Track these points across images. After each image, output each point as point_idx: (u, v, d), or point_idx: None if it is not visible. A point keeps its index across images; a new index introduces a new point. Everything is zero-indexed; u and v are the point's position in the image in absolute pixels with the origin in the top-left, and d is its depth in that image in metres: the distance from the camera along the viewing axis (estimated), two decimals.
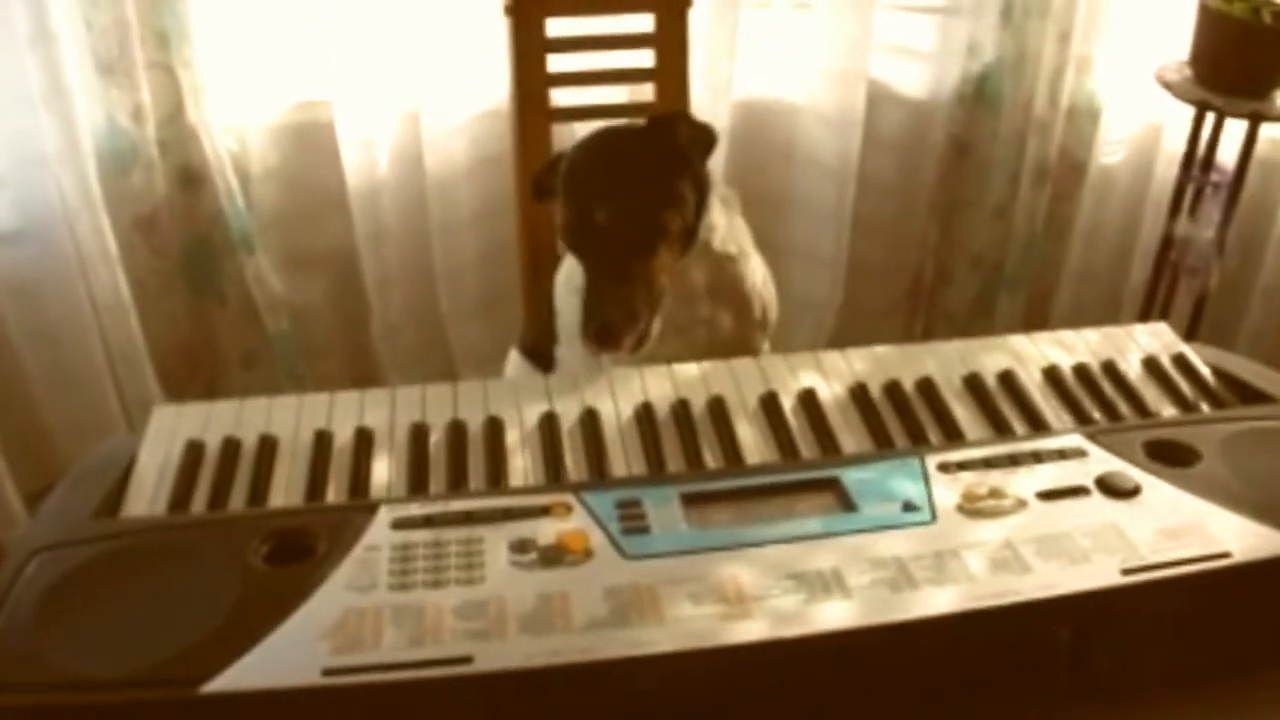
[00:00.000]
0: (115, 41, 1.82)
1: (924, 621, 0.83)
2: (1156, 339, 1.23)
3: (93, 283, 1.92)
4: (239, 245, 2.04)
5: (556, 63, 1.70)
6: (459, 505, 0.94)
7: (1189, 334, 2.08)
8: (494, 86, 2.02)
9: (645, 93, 1.79)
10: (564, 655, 0.79)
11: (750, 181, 2.09)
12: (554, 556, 0.88)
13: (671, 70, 1.74)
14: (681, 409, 1.10)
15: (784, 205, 2.27)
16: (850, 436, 1.08)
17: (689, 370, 1.16)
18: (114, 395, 2.00)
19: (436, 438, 1.07)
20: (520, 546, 0.89)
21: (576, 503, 0.94)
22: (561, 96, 1.73)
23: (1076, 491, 0.95)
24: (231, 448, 1.05)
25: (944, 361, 1.18)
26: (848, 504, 0.94)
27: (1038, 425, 1.09)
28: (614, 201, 1.18)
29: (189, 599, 0.85)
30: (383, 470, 1.04)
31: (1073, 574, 0.86)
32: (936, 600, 0.84)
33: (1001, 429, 1.09)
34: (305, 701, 0.78)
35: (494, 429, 1.08)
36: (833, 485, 0.96)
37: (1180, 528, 0.91)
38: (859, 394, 1.13)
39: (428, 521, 0.92)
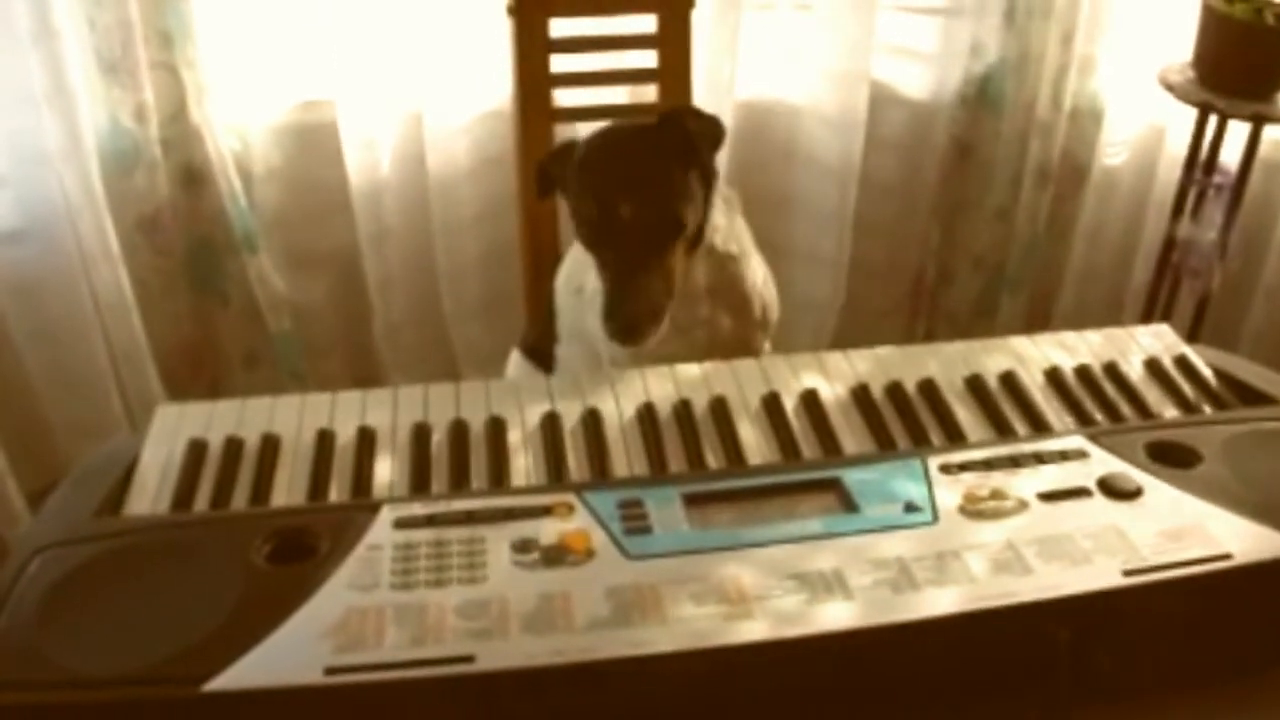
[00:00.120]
0: (118, 41, 1.82)
1: (925, 622, 0.83)
2: (1158, 340, 1.23)
3: (95, 282, 1.92)
4: (241, 245, 2.04)
5: (559, 63, 1.70)
6: (461, 505, 0.94)
7: (1191, 336, 2.08)
8: (496, 87, 2.02)
9: (648, 93, 1.79)
10: (566, 655, 0.79)
11: (752, 182, 2.09)
12: (556, 556, 0.88)
13: (674, 71, 1.74)
14: (683, 409, 1.10)
15: (786, 206, 2.27)
16: (852, 437, 1.08)
17: (691, 370, 1.17)
18: (116, 394, 2.01)
19: (438, 437, 1.07)
20: (522, 546, 0.89)
21: (578, 503, 0.94)
22: (564, 97, 1.73)
23: (1078, 493, 0.95)
24: (234, 447, 1.05)
25: (946, 362, 1.18)
26: (849, 505, 0.94)
27: (1039, 426, 1.09)
28: (639, 195, 1.18)
29: (191, 598, 0.85)
30: (385, 470, 1.04)
31: (1074, 575, 0.86)
32: (938, 601, 0.84)
33: (1003, 430, 1.09)
34: (307, 700, 0.78)
35: (496, 429, 1.08)
36: (834, 486, 0.96)
37: (1182, 529, 0.91)
38: (861, 395, 1.13)
39: (430, 521, 0.92)
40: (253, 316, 2.12)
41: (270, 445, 1.05)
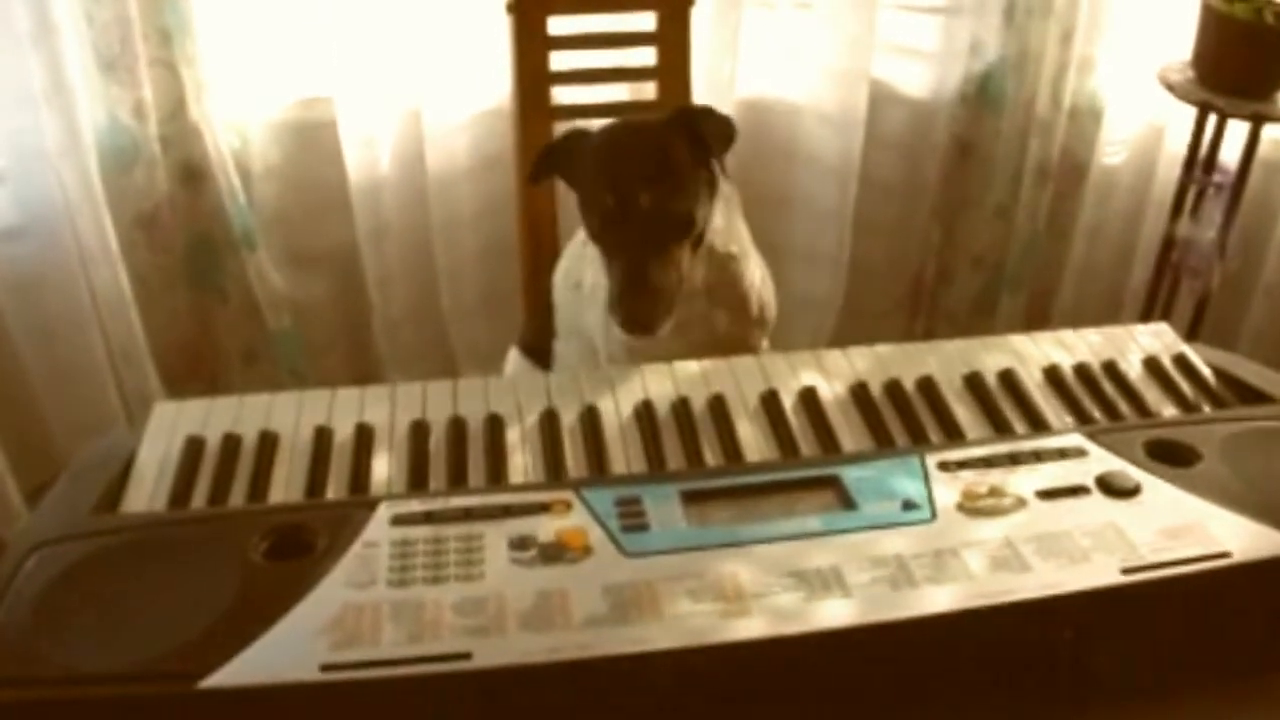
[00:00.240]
0: (117, 38, 1.82)
1: (923, 620, 0.83)
2: (1157, 339, 1.23)
3: (94, 279, 1.92)
4: (240, 242, 2.04)
5: (558, 61, 1.70)
6: (459, 502, 0.94)
7: (1190, 334, 2.07)
8: (496, 84, 2.02)
9: (647, 91, 1.79)
10: (563, 652, 0.79)
11: (752, 180, 2.08)
12: (553, 553, 0.88)
13: (674, 69, 1.74)
14: (682, 407, 1.10)
15: (786, 204, 2.27)
16: (850, 435, 1.08)
17: (689, 368, 1.16)
18: (115, 392, 2.00)
19: (437, 434, 1.07)
20: (520, 543, 0.89)
21: (576, 500, 0.94)
22: (563, 95, 1.73)
23: (1076, 491, 0.95)
24: (232, 444, 1.05)
25: (945, 360, 1.18)
26: (848, 502, 0.94)
27: (1038, 424, 1.09)
28: (658, 187, 1.18)
29: (188, 594, 0.85)
30: (383, 467, 1.04)
31: (1072, 573, 0.86)
32: (936, 599, 0.84)
33: (1002, 428, 1.08)
34: (304, 697, 0.78)
35: (494, 426, 1.08)
36: (833, 483, 0.96)
37: (1180, 527, 0.91)
38: (859, 392, 1.13)
39: (427, 518, 0.92)
40: (252, 314, 2.11)
41: (268, 442, 1.05)
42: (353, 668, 0.78)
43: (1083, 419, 1.10)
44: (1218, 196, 2.06)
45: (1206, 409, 1.12)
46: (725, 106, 2.09)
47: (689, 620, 0.82)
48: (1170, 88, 2.01)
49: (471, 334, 2.23)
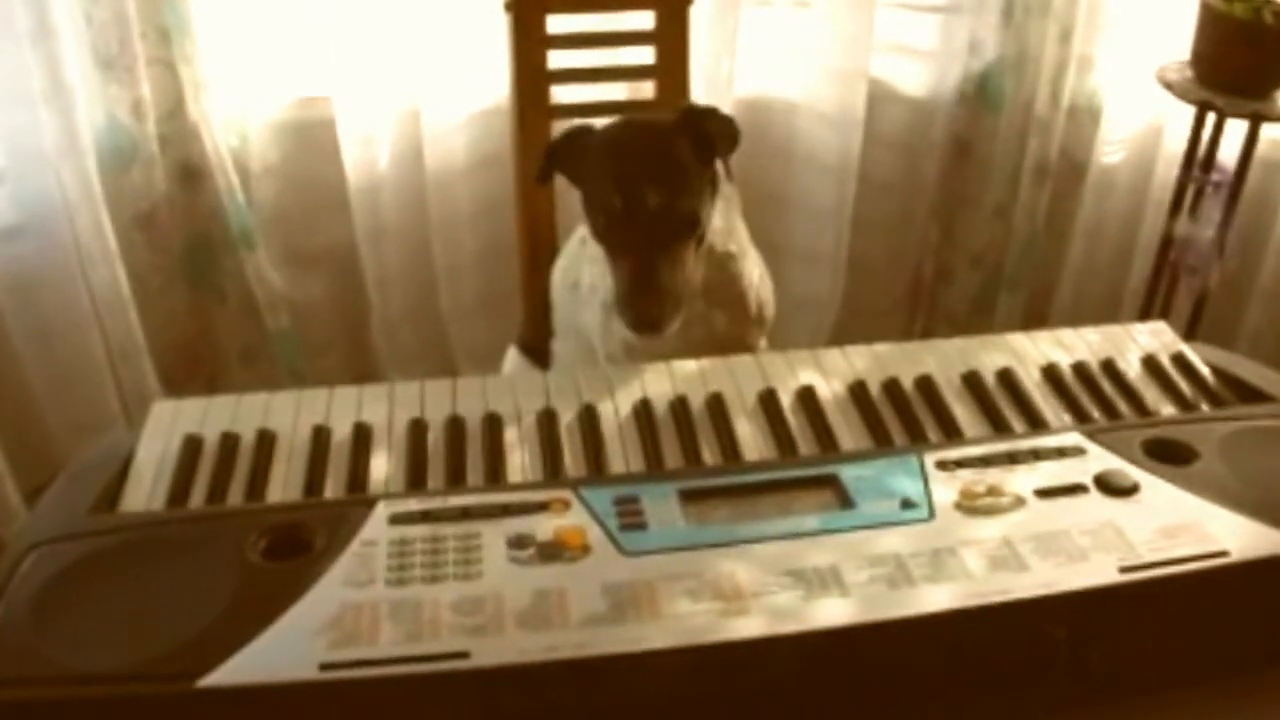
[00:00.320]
0: (115, 37, 1.82)
1: (922, 619, 0.83)
2: (1156, 338, 1.23)
3: (92, 279, 1.92)
4: (239, 242, 2.04)
5: (557, 59, 1.69)
6: (457, 501, 0.94)
7: (1188, 333, 2.08)
8: (494, 83, 2.02)
9: (645, 90, 1.79)
10: (561, 651, 0.79)
11: (750, 179, 2.08)
12: (552, 552, 0.88)
13: (672, 67, 1.74)
14: (680, 406, 1.10)
15: (784, 203, 2.27)
16: (849, 434, 1.08)
17: (688, 367, 1.16)
18: (113, 391, 2.00)
19: (435, 433, 1.07)
20: (518, 542, 0.89)
21: (574, 499, 0.94)
22: (562, 93, 1.73)
23: (1075, 490, 0.95)
24: (230, 443, 1.05)
25: (943, 359, 1.18)
26: (846, 501, 0.94)
27: (1036, 423, 1.09)
28: (666, 186, 1.18)
29: (186, 594, 0.85)
30: (381, 466, 1.04)
31: (1070, 572, 0.86)
32: (934, 598, 0.84)
33: (1000, 427, 1.09)
34: (302, 696, 0.78)
35: (493, 425, 1.08)
36: (831, 482, 0.96)
37: (1178, 526, 0.91)
38: (858, 391, 1.13)
39: (425, 517, 0.92)
40: (250, 313, 2.11)
41: (266, 441, 1.05)
42: (351, 667, 0.78)
43: (1081, 418, 1.10)
44: (1216, 195, 2.05)
45: (1205, 408, 1.12)
46: (724, 105, 2.08)
47: (687, 619, 0.82)
48: (1169, 87, 2.01)
49: (470, 333, 2.23)
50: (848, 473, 0.97)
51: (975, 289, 2.36)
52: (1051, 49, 2.11)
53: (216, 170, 1.98)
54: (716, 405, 1.11)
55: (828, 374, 1.15)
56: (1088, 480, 0.96)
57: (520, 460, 1.05)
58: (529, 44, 1.67)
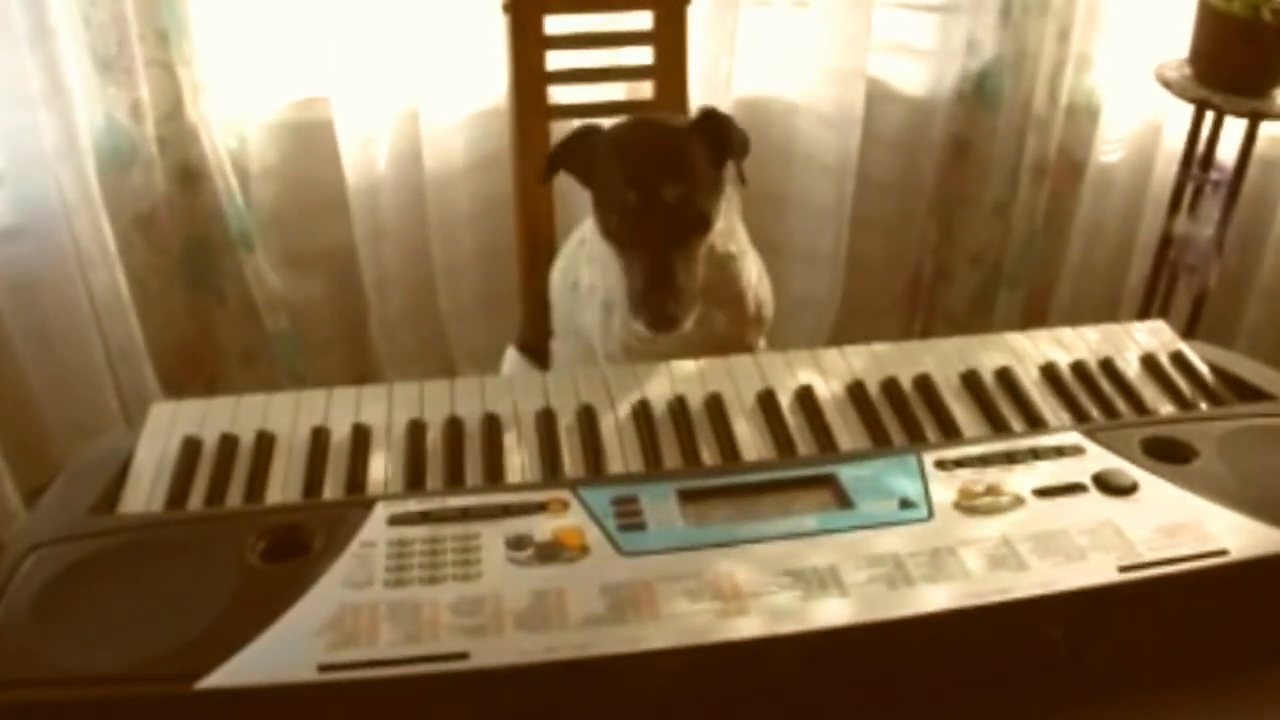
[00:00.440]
0: (114, 38, 1.82)
1: (920, 619, 0.83)
2: (1155, 337, 1.23)
3: (92, 280, 1.92)
4: (238, 243, 2.04)
5: (555, 60, 1.69)
6: (456, 501, 0.94)
7: (1188, 332, 2.07)
8: (492, 84, 2.02)
9: (644, 90, 1.79)
10: (560, 651, 0.79)
11: (749, 179, 2.08)
12: (550, 553, 0.88)
13: (670, 68, 1.74)
14: (679, 406, 1.10)
15: (783, 203, 2.27)
16: (848, 434, 1.08)
17: (686, 367, 1.16)
18: (113, 393, 2.00)
19: (434, 434, 1.07)
20: (517, 543, 0.89)
21: (573, 499, 0.94)
22: (560, 94, 1.73)
23: (1074, 489, 0.95)
24: (229, 444, 1.05)
25: (942, 359, 1.18)
26: (845, 501, 0.94)
27: (1035, 423, 1.09)
28: (682, 182, 1.18)
29: (185, 595, 0.85)
30: (380, 466, 1.04)
31: (1069, 571, 0.86)
32: (933, 597, 0.84)
33: (999, 426, 1.09)
34: (301, 697, 0.78)
35: (491, 425, 1.08)
36: (830, 482, 0.97)
37: (1177, 525, 0.91)
38: (856, 391, 1.13)
39: (424, 518, 0.92)
40: (249, 315, 2.11)
41: (265, 442, 1.05)
42: (350, 668, 0.78)
43: (1080, 417, 1.10)
44: (1215, 194, 2.05)
45: (1204, 406, 1.12)
46: (722, 105, 2.08)
47: (686, 619, 0.82)
48: (1167, 85, 2.01)
49: (469, 334, 2.23)
50: (846, 473, 0.97)
51: (974, 288, 2.36)
52: (1050, 48, 2.11)
53: (215, 172, 1.98)
54: (715, 405, 1.11)
55: (826, 374, 1.15)
56: (1087, 479, 0.96)
57: (519, 461, 1.05)
58: (527, 45, 1.67)
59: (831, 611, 0.83)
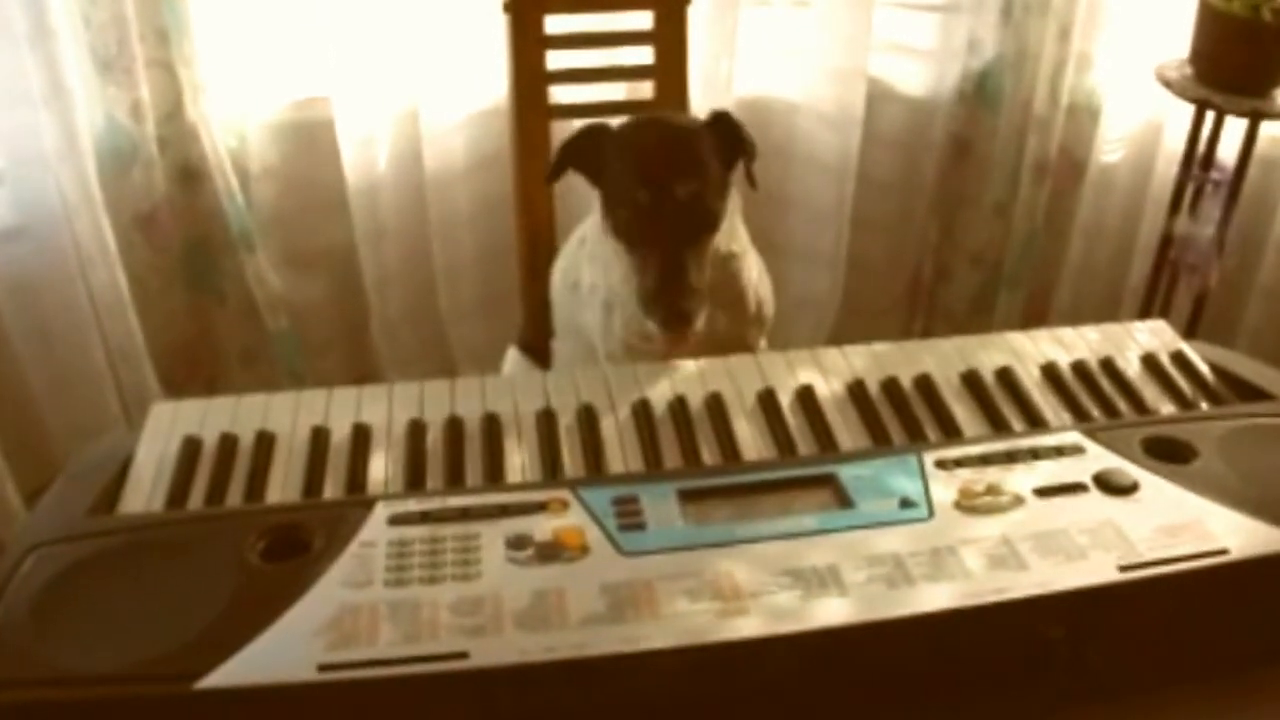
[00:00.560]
0: (114, 38, 1.82)
1: (921, 618, 0.83)
2: (1155, 336, 1.23)
3: (92, 281, 1.92)
4: (238, 243, 2.04)
5: (555, 60, 1.69)
6: (456, 501, 0.94)
7: (1188, 331, 2.07)
8: (492, 84, 2.02)
9: (644, 90, 1.79)
10: (560, 651, 0.79)
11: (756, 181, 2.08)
12: (550, 553, 0.88)
13: (671, 67, 1.74)
14: (679, 406, 1.10)
15: (783, 203, 2.27)
16: (848, 433, 1.08)
17: (687, 367, 1.16)
18: (113, 393, 2.00)
19: (434, 434, 1.07)
20: (517, 543, 0.89)
21: (573, 499, 0.94)
22: (560, 94, 1.73)
23: (1074, 488, 0.95)
24: (229, 444, 1.05)
25: (942, 359, 1.18)
26: (845, 501, 0.94)
27: (1036, 422, 1.09)
28: (694, 180, 1.18)
29: (185, 595, 0.85)
30: (380, 466, 1.04)
31: (1070, 571, 0.86)
32: (933, 597, 0.84)
33: (999, 426, 1.08)
34: (300, 697, 0.78)
35: (491, 425, 1.08)
36: (830, 482, 0.96)
37: (1178, 525, 0.91)
38: (857, 391, 1.13)
39: (424, 517, 0.92)
40: (250, 315, 2.11)
41: (265, 442, 1.05)
42: (350, 668, 0.78)
43: (1080, 416, 1.10)
44: (1216, 193, 2.05)
45: (1204, 406, 1.12)
46: (723, 105, 2.08)
47: (686, 619, 0.82)
48: (1168, 85, 2.01)
49: (469, 334, 2.23)
50: (846, 472, 0.97)
51: (975, 288, 2.36)
52: (1050, 47, 2.11)
53: (215, 172, 1.98)
54: (715, 405, 1.11)
55: (827, 373, 1.15)
56: (1087, 479, 0.96)
57: (519, 460, 1.05)
58: (527, 44, 1.67)
59: (831, 611, 0.83)
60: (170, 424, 1.08)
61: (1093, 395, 1.13)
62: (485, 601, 0.83)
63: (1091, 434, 1.02)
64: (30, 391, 1.97)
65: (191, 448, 1.04)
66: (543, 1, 1.67)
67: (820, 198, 2.23)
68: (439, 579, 0.85)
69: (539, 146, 1.70)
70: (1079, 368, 1.17)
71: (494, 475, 1.03)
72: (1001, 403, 1.11)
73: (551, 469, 1.03)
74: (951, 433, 1.08)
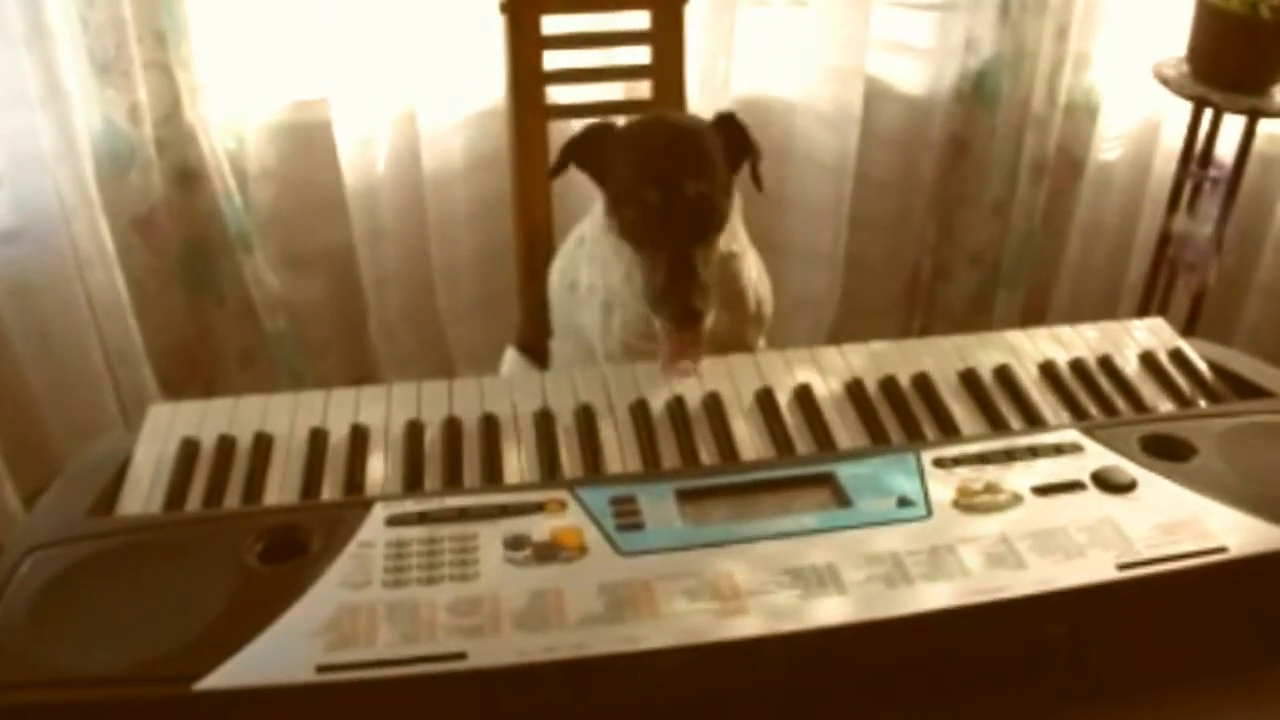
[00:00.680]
0: (112, 40, 1.82)
1: (919, 617, 0.83)
2: (1154, 334, 1.23)
3: (90, 282, 1.92)
4: (236, 244, 2.04)
5: (553, 60, 1.69)
6: (454, 502, 0.94)
7: (1187, 329, 2.07)
8: (490, 85, 2.02)
9: (642, 90, 1.79)
10: (558, 651, 0.79)
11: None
12: (548, 553, 0.88)
13: (668, 67, 1.74)
14: (677, 405, 1.10)
15: (782, 203, 2.27)
16: (846, 432, 1.08)
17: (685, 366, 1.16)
18: (112, 395, 2.00)
19: (432, 434, 1.07)
20: (515, 543, 0.89)
21: (571, 499, 0.94)
22: (558, 94, 1.73)
23: (1072, 486, 0.95)
24: (227, 445, 1.05)
25: (940, 357, 1.18)
26: (843, 500, 0.94)
27: (1034, 420, 1.09)
28: (703, 178, 1.18)
29: (183, 597, 0.85)
30: (378, 467, 1.04)
31: (1068, 569, 0.86)
32: (932, 596, 0.84)
33: (998, 424, 1.09)
34: (299, 698, 0.78)
35: (489, 426, 1.08)
36: (828, 481, 0.96)
37: (1176, 523, 0.91)
38: (855, 390, 1.13)
39: (422, 518, 0.92)
40: (248, 316, 2.11)
41: (263, 443, 1.05)
42: (348, 669, 0.78)
43: (1079, 415, 1.10)
44: (1214, 191, 2.05)
45: (1203, 404, 1.12)
46: (720, 104, 2.09)
47: (685, 619, 0.82)
48: (1166, 83, 2.01)
49: (468, 334, 2.23)
50: (845, 471, 0.97)
51: (973, 287, 2.36)
52: (1048, 46, 2.11)
53: (214, 173, 1.98)
54: (714, 404, 1.11)
55: (825, 373, 1.15)
56: (1085, 477, 0.96)
57: (517, 461, 1.05)
58: (525, 45, 1.67)
59: (830, 610, 0.83)
60: (168, 425, 1.08)
61: (1091, 393, 1.13)
62: (483, 602, 0.83)
63: (1090, 432, 1.02)
64: (29, 393, 1.97)
65: (190, 449, 1.04)
66: (540, 2, 1.67)
67: (818, 197, 2.23)
68: (437, 579, 0.85)
69: (537, 147, 1.70)
70: (1077, 366, 1.17)
71: (492, 476, 1.03)
72: (1000, 401, 1.11)
73: (549, 469, 1.03)
74: (950, 431, 1.08)
